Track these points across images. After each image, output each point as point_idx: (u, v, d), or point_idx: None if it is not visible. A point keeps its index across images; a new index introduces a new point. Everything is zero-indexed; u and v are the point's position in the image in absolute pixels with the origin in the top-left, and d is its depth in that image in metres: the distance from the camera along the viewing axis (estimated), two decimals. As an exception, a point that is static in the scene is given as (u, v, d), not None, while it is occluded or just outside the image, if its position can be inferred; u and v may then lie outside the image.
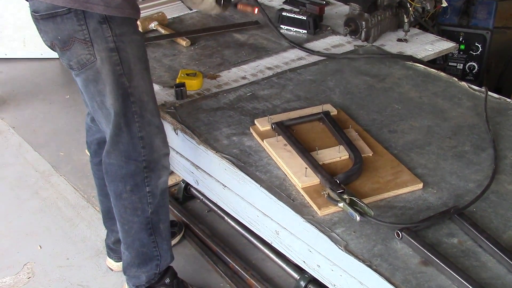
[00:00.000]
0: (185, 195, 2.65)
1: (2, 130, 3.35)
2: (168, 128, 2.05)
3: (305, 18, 2.66)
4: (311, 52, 2.47)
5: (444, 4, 2.74)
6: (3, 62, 4.10)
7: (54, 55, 2.04)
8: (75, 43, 1.66)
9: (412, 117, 2.01)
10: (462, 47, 2.92)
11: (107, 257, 2.33)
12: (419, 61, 2.40)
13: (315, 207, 1.57)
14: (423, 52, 2.49)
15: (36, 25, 1.73)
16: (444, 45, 2.57)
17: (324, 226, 1.52)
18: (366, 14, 2.53)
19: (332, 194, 1.55)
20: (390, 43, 2.57)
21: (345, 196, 1.52)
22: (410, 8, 2.58)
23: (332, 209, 1.56)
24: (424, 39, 2.62)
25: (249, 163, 1.78)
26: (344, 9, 2.89)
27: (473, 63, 2.96)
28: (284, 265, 2.19)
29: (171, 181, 2.79)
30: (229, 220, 2.44)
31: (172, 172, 2.78)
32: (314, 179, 1.65)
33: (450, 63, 2.96)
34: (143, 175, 1.83)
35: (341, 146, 1.79)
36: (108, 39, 1.66)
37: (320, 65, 2.39)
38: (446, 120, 1.99)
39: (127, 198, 1.85)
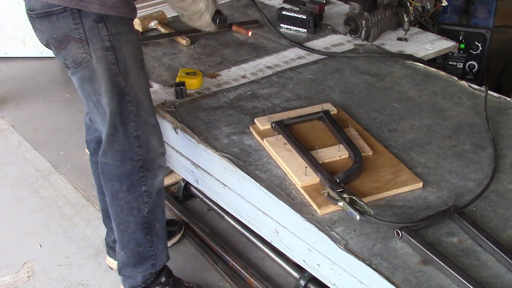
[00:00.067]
0: (185, 194, 2.65)
1: (2, 129, 3.34)
2: (168, 127, 2.06)
3: (305, 17, 2.66)
4: (311, 51, 2.47)
5: (444, 3, 2.74)
6: (3, 61, 4.10)
7: (54, 54, 2.03)
8: (70, 42, 1.66)
9: (412, 116, 2.01)
10: (462, 46, 2.92)
11: (107, 255, 2.33)
12: (419, 60, 2.40)
13: (315, 206, 1.57)
14: (423, 51, 2.49)
15: (31, 23, 1.73)
16: (444, 44, 2.57)
17: (324, 225, 1.52)
18: (366, 13, 2.53)
19: (332, 193, 1.55)
20: (390, 42, 2.57)
21: (345, 195, 1.52)
22: (410, 7, 2.58)
23: (332, 208, 1.56)
24: (424, 38, 2.62)
25: (249, 162, 1.78)
26: (344, 8, 2.89)
27: (473, 62, 2.96)
28: (284, 264, 2.19)
29: (171, 180, 2.79)
30: (229, 219, 2.44)
31: (172, 171, 2.79)
32: (314, 178, 1.65)
33: (450, 62, 2.96)
34: (139, 174, 1.83)
35: (341, 145, 1.79)
36: (103, 38, 1.66)
37: (320, 64, 2.39)
38: (446, 119, 1.99)
39: (123, 197, 1.85)
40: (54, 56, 1.77)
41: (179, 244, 2.44)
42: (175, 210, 2.57)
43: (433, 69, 2.32)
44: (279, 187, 1.67)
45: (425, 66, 2.35)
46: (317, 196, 1.59)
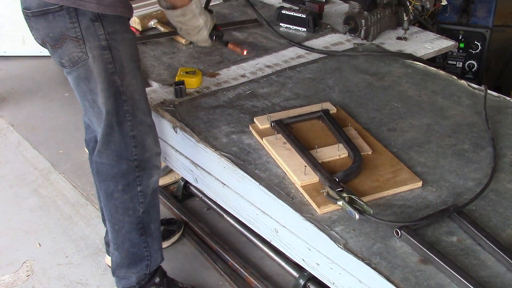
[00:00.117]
0: (184, 193, 2.65)
1: (1, 128, 3.34)
2: (167, 126, 2.06)
3: (304, 16, 2.66)
4: (311, 50, 2.47)
5: (444, 2, 2.74)
6: (2, 59, 4.10)
7: (53, 53, 2.03)
8: (66, 41, 1.65)
9: (412, 115, 2.01)
10: (462, 45, 2.92)
11: (106, 254, 2.32)
12: (419, 59, 2.40)
13: (314, 205, 1.57)
14: (423, 50, 2.49)
15: (27, 22, 1.72)
16: (444, 44, 2.57)
17: (323, 224, 1.52)
18: (365, 12, 2.53)
19: (331, 193, 1.55)
20: (390, 41, 2.57)
21: (344, 195, 1.52)
22: (410, 6, 2.58)
23: (331, 207, 1.56)
24: (423, 37, 2.62)
25: (248, 161, 1.78)
26: (344, 7, 2.89)
27: (473, 62, 2.96)
28: (283, 263, 2.19)
29: (170, 179, 2.80)
30: (228, 218, 2.44)
31: (171, 170, 2.79)
32: (313, 177, 1.65)
33: (449, 62, 2.96)
34: (134, 174, 1.83)
35: (340, 144, 1.78)
36: (100, 37, 1.66)
37: (320, 63, 2.39)
38: (445, 119, 1.99)
39: (119, 197, 1.85)
40: (51, 55, 1.76)
41: (179, 243, 2.44)
42: (175, 209, 2.57)
43: (432, 68, 2.32)
44: (278, 186, 1.67)
45: (425, 65, 2.34)
46: (317, 195, 1.59)
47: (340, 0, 3.04)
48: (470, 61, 2.96)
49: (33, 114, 3.49)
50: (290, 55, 2.46)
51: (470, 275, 1.34)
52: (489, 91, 2.10)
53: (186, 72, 2.21)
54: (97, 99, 1.73)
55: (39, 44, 1.75)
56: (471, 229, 1.47)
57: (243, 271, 2.21)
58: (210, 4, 2.23)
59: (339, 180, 1.59)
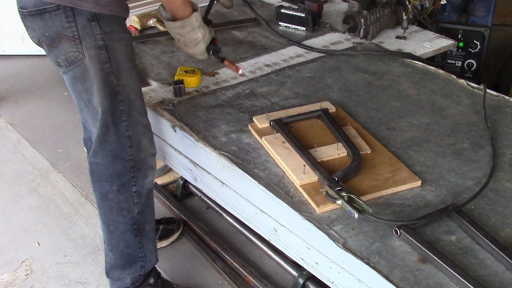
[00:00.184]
0: (184, 192, 2.65)
1: (0, 127, 3.34)
2: (166, 125, 2.05)
3: (303, 15, 2.66)
4: (310, 49, 2.47)
5: (443, 1, 2.74)
6: (1, 58, 4.09)
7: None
8: (63, 40, 1.65)
9: (411, 115, 2.01)
10: (461, 44, 2.92)
11: (106, 254, 2.33)
12: (418, 58, 2.40)
13: (313, 205, 1.57)
14: (422, 49, 2.49)
15: (23, 22, 1.72)
16: (443, 43, 2.57)
17: (322, 224, 1.52)
18: (365, 11, 2.53)
19: (331, 192, 1.55)
20: (389, 41, 2.57)
21: (343, 194, 1.52)
22: (409, 6, 2.58)
23: (330, 207, 1.56)
24: (422, 36, 2.62)
25: (247, 160, 1.78)
26: (343, 6, 2.89)
27: (472, 61, 2.96)
28: (282, 262, 2.19)
29: (169, 178, 2.80)
30: (227, 217, 2.44)
31: (170, 169, 2.79)
32: (312, 177, 1.65)
33: (448, 61, 2.96)
34: (130, 174, 1.82)
35: (339, 144, 1.78)
36: (97, 36, 1.65)
37: (319, 62, 2.39)
38: (444, 118, 1.99)
39: (114, 198, 1.84)
40: (49, 54, 1.76)
41: (178, 242, 2.44)
42: (174, 208, 2.57)
43: (431, 67, 2.32)
44: (277, 186, 1.67)
45: (424, 64, 2.34)
46: (316, 195, 1.59)
47: (340, -1, 3.05)
48: (469, 60, 2.96)
49: (32, 113, 3.49)
50: (289, 54, 2.46)
51: (469, 274, 1.34)
52: (488, 90, 2.11)
53: (185, 71, 2.21)
54: (93, 99, 1.72)
55: (35, 43, 1.75)
56: (470, 228, 1.47)
57: (242, 270, 2.21)
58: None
59: (338, 179, 1.59)
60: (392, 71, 2.30)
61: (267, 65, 2.36)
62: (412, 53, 2.43)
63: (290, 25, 2.70)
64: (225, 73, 2.30)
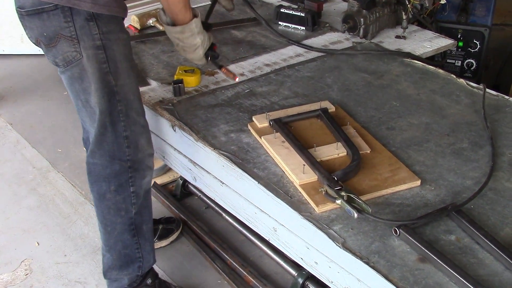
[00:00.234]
0: (183, 191, 2.65)
1: (0, 127, 3.34)
2: (166, 124, 2.05)
3: (303, 15, 2.66)
4: (309, 48, 2.47)
5: (443, 1, 2.74)
6: (1, 58, 4.09)
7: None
8: (61, 40, 1.65)
9: (410, 114, 2.01)
10: (461, 44, 2.92)
11: (105, 253, 2.32)
12: (418, 58, 2.40)
13: (312, 204, 1.57)
14: (422, 49, 2.49)
15: (21, 21, 1.71)
16: (443, 42, 2.57)
17: (321, 223, 1.52)
18: (364, 11, 2.52)
19: (330, 191, 1.55)
20: (389, 40, 2.57)
21: (342, 193, 1.52)
22: (409, 5, 2.58)
23: (329, 206, 1.56)
24: (422, 36, 2.62)
25: (247, 160, 1.78)
26: (343, 5, 2.89)
27: (471, 60, 2.96)
28: (281, 262, 2.19)
29: (168, 177, 2.80)
30: (226, 217, 2.44)
31: (169, 169, 2.79)
32: (312, 176, 1.65)
33: (448, 60, 2.96)
34: (127, 175, 1.82)
35: (339, 143, 1.78)
36: (95, 36, 1.65)
37: (318, 61, 2.38)
38: (444, 117, 1.99)
39: (111, 198, 1.84)
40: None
41: (177, 242, 2.44)
42: (173, 208, 2.57)
43: (431, 67, 2.32)
44: (277, 185, 1.67)
45: (424, 64, 2.34)
46: (315, 194, 1.59)
47: (339, -2, 3.05)
48: (469, 60, 2.96)
49: (31, 112, 3.49)
50: (289, 53, 2.46)
51: (468, 274, 1.34)
52: (487, 90, 2.11)
53: (185, 71, 2.21)
54: (90, 99, 1.72)
55: (33, 43, 1.75)
56: (470, 227, 1.47)
57: (241, 270, 2.21)
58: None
59: (338, 179, 1.58)
60: (392, 70, 2.30)
61: (267, 65, 2.36)
62: (411, 52, 2.43)
63: (290, 25, 2.69)
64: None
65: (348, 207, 1.49)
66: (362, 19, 2.52)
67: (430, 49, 2.50)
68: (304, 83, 2.22)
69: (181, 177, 2.62)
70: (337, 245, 1.46)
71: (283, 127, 1.86)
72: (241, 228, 2.36)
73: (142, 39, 2.59)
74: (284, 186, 1.67)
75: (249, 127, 1.93)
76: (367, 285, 1.42)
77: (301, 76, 2.27)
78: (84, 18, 1.63)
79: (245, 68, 2.34)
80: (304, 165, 1.68)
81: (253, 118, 1.95)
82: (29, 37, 1.75)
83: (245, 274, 2.20)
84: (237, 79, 2.03)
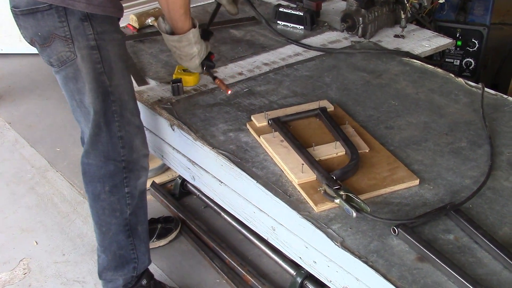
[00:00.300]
0: (182, 191, 2.65)
1: (-2, 126, 3.34)
2: (164, 124, 2.05)
3: (302, 14, 2.66)
4: (308, 47, 2.47)
5: (441, 0, 2.74)
6: (-1, 57, 4.10)
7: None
8: (55, 40, 1.64)
9: (409, 113, 2.01)
10: (459, 43, 2.92)
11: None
12: (416, 57, 2.40)
13: (311, 203, 1.57)
14: (420, 48, 2.49)
15: (15, 21, 1.71)
16: (441, 41, 2.57)
17: (320, 222, 1.52)
18: (363, 10, 2.52)
19: (329, 190, 1.55)
20: (387, 39, 2.57)
21: (341, 192, 1.52)
22: (407, 4, 2.58)
23: (328, 205, 1.56)
24: (421, 35, 2.62)
25: (245, 159, 1.78)
26: (341, 5, 2.89)
27: (470, 59, 2.96)
28: (280, 261, 2.19)
29: (167, 177, 2.79)
30: (225, 216, 2.44)
31: (168, 168, 2.79)
32: (310, 175, 1.65)
33: (447, 59, 2.96)
34: (122, 175, 1.82)
35: (337, 142, 1.78)
36: (89, 36, 1.65)
37: (317, 61, 2.38)
38: (442, 116, 1.99)
39: (106, 199, 1.84)
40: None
41: (176, 241, 2.44)
42: (172, 207, 2.56)
43: (430, 66, 2.32)
44: (275, 184, 1.67)
45: (422, 63, 2.34)
46: (314, 193, 1.59)
47: (338, -2, 3.04)
48: (468, 59, 2.96)
49: (30, 112, 3.49)
50: (288, 52, 2.46)
51: (466, 273, 1.34)
52: (486, 89, 2.11)
53: (184, 70, 2.21)
54: (85, 99, 1.72)
55: (28, 42, 1.74)
56: (468, 227, 1.47)
57: (240, 269, 2.21)
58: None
59: (336, 178, 1.58)
60: (390, 69, 2.30)
61: (266, 64, 2.36)
62: (410, 51, 2.43)
63: (289, 24, 2.69)
64: (223, 72, 2.30)
65: (346, 206, 1.49)
66: (360, 18, 2.52)
67: (428, 48, 2.50)
68: (303, 82, 2.22)
69: (179, 176, 2.62)
70: (335, 244, 1.46)
71: (282, 126, 1.86)
72: (239, 227, 2.36)
73: (140, 38, 2.59)
74: (283, 185, 1.67)
75: (248, 126, 1.93)
76: (365, 284, 1.43)
77: (299, 75, 2.27)
78: (78, 18, 1.62)
79: (243, 67, 2.34)
80: (302, 164, 1.68)
81: (252, 117, 1.95)
82: (23, 37, 1.74)
83: (244, 273, 2.20)
84: (229, 92, 2.03)
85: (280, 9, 2.70)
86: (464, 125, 1.94)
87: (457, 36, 2.90)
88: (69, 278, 2.30)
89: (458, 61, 2.99)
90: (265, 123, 1.91)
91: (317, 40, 2.57)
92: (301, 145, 1.76)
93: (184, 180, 2.61)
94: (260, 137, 1.84)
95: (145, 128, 2.14)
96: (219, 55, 2.43)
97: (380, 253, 1.43)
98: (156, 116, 2.08)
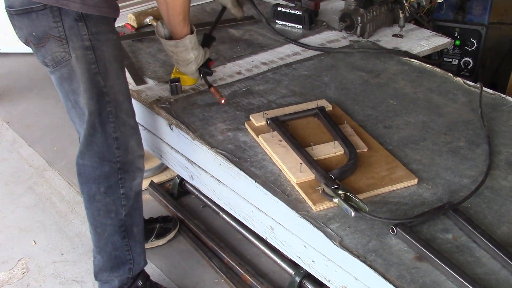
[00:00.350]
0: (180, 190, 2.65)
1: (-4, 125, 3.34)
2: (163, 123, 2.05)
3: (300, 13, 2.66)
4: (307, 47, 2.47)
5: (440, -1, 2.74)
6: (-3, 56, 4.09)
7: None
8: (50, 40, 1.64)
9: (407, 113, 2.01)
10: (457, 42, 2.92)
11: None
12: (414, 56, 2.40)
13: (310, 203, 1.57)
14: (419, 47, 2.49)
15: (10, 21, 1.70)
16: (440, 41, 2.57)
17: (319, 222, 1.52)
18: (361, 9, 2.53)
19: (327, 190, 1.55)
20: (386, 39, 2.57)
21: (340, 192, 1.52)
22: (406, 4, 2.58)
23: (327, 205, 1.56)
24: (419, 34, 2.62)
25: (244, 159, 1.78)
26: (340, 4, 2.89)
27: (468, 59, 2.96)
28: (279, 261, 2.19)
29: (165, 176, 2.79)
30: (224, 216, 2.44)
31: (166, 168, 2.79)
32: (309, 175, 1.65)
33: (445, 59, 2.96)
34: (117, 176, 1.82)
35: (336, 142, 1.78)
36: (83, 37, 1.64)
37: (315, 60, 2.38)
38: (441, 116, 1.99)
39: (101, 200, 1.83)
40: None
41: (174, 240, 2.44)
42: (170, 207, 2.56)
43: (428, 65, 2.32)
44: (274, 184, 1.67)
45: (420, 62, 2.35)
46: (312, 193, 1.59)
47: (336, -3, 3.04)
48: (466, 59, 2.96)
49: (28, 111, 3.48)
50: (286, 52, 2.46)
51: (465, 272, 1.34)
52: (484, 89, 2.11)
53: (182, 70, 2.21)
54: (80, 99, 1.71)
55: (23, 42, 1.74)
56: (466, 226, 1.47)
57: (238, 269, 2.21)
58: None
59: (335, 178, 1.59)
60: (389, 69, 2.30)
61: (264, 63, 2.36)
62: (408, 51, 2.43)
63: (287, 23, 2.69)
64: (222, 71, 2.30)
65: (345, 205, 1.49)
66: (359, 18, 2.52)
67: (427, 47, 2.50)
68: (301, 81, 2.22)
69: (178, 176, 2.61)
70: (334, 243, 1.46)
71: (280, 125, 1.86)
72: (238, 227, 2.36)
73: (139, 38, 2.59)
74: (281, 184, 1.67)
75: (246, 126, 1.93)
76: (364, 284, 1.43)
77: (298, 74, 2.27)
78: (73, 18, 1.62)
79: (242, 67, 2.34)
80: (301, 163, 1.68)
81: (250, 117, 1.95)
82: (18, 37, 1.74)
83: (242, 272, 2.20)
84: (223, 101, 2.03)
85: (278, 9, 2.70)
86: (463, 124, 1.94)
87: (456, 35, 2.90)
88: (67, 277, 2.30)
89: (457, 60, 2.99)
90: (263, 123, 1.91)
91: (316, 39, 2.57)
92: (300, 145, 1.76)
93: (182, 180, 2.61)
94: (259, 136, 1.84)
95: (143, 128, 2.15)
96: (218, 54, 2.43)
97: (378, 253, 1.43)
98: (154, 116, 2.08)
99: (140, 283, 2.03)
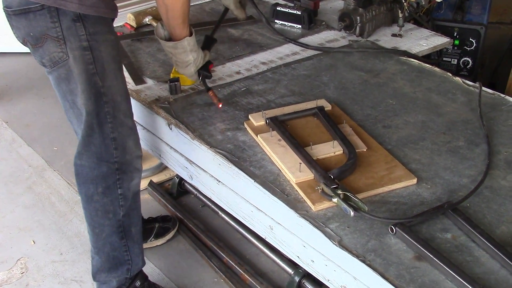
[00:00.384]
0: (179, 190, 2.65)
1: (-5, 125, 3.33)
2: (162, 123, 2.05)
3: (299, 13, 2.66)
4: (306, 46, 2.47)
5: (439, -1, 2.74)
6: (-4, 56, 4.08)
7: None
8: (47, 40, 1.64)
9: (406, 112, 2.01)
10: (457, 42, 2.92)
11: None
12: (414, 56, 2.40)
13: (309, 202, 1.57)
14: (418, 47, 2.49)
15: (8, 21, 1.70)
16: (439, 40, 2.57)
17: (318, 221, 1.52)
18: (360, 9, 2.53)
19: (326, 189, 1.55)
20: (385, 38, 2.57)
21: (339, 191, 1.52)
22: (405, 3, 2.58)
23: (326, 204, 1.56)
24: (418, 34, 2.62)
25: (243, 158, 1.78)
26: (339, 4, 2.89)
27: (467, 59, 2.96)
28: (278, 260, 2.19)
29: (165, 176, 2.79)
30: (223, 215, 2.44)
31: (166, 167, 2.79)
32: (308, 174, 1.65)
33: (444, 58, 2.96)
34: (115, 177, 1.81)
35: (335, 141, 1.78)
36: (81, 37, 1.64)
37: (315, 60, 2.38)
38: (440, 116, 1.99)
39: (99, 200, 1.83)
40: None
41: (173, 240, 2.43)
42: (169, 207, 2.56)
43: (427, 65, 2.32)
44: (273, 183, 1.67)
45: (420, 62, 2.35)
46: (312, 192, 1.59)
47: (335, -3, 3.04)
48: (465, 58, 2.96)
49: (27, 111, 3.48)
50: (285, 52, 2.46)
51: (464, 272, 1.34)
52: (483, 88, 2.11)
53: (181, 70, 2.21)
54: (77, 100, 1.71)
55: (21, 43, 1.74)
56: (466, 226, 1.47)
57: (238, 268, 2.21)
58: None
59: (334, 177, 1.59)
60: (388, 69, 2.30)
61: (263, 63, 2.36)
62: (407, 51, 2.43)
63: (286, 23, 2.69)
64: (221, 71, 2.30)
65: (344, 205, 1.49)
66: (358, 17, 2.52)
67: (426, 47, 2.50)
68: (301, 81, 2.22)
69: (177, 176, 2.61)
70: (333, 243, 1.46)
71: (280, 125, 1.86)
72: (237, 227, 2.36)
73: (138, 37, 2.59)
74: (281, 184, 1.67)
75: (246, 126, 1.93)
76: (363, 283, 1.43)
77: (297, 74, 2.27)
78: (70, 18, 1.61)
79: (241, 67, 2.34)
80: (300, 163, 1.68)
81: (250, 117, 1.95)
82: (16, 37, 1.74)
83: (242, 272, 2.20)
84: (220, 106, 2.02)
85: (277, 8, 2.70)
86: (462, 124, 1.95)
87: (455, 35, 2.90)
88: (66, 277, 2.29)
89: (456, 60, 2.99)
90: (262, 122, 1.91)
91: (315, 39, 2.57)
92: (299, 144, 1.76)
93: (181, 179, 2.61)
94: (258, 136, 1.84)
95: (142, 127, 2.15)
96: (217, 54, 2.43)
97: (377, 252, 1.43)
98: (153, 115, 2.08)
99: (138, 283, 2.03)
